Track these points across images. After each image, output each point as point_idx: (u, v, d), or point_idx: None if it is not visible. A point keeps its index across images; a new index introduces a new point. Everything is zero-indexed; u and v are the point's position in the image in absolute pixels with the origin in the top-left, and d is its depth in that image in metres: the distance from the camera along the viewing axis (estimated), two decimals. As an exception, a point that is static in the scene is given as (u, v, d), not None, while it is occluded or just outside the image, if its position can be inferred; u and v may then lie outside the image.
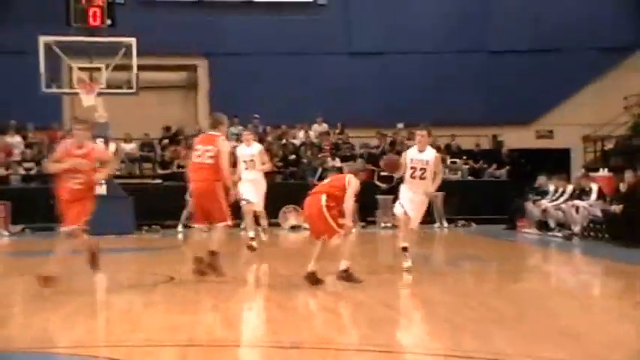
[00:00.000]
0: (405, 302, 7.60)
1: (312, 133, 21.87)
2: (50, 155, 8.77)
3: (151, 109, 21.87)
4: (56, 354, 5.67)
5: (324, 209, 8.25)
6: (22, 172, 19.60)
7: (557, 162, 21.25)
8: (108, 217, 16.60)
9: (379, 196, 18.97)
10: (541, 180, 17.45)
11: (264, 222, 13.02)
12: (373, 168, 20.50)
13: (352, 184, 8.40)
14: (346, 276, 8.33)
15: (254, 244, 12.10)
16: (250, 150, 12.55)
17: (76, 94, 17.83)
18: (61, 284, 8.27)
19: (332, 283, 8.87)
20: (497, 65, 23.26)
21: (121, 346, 5.80)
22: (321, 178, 20.08)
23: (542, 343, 5.65)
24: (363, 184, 8.90)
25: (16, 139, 20.18)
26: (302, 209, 18.72)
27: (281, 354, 5.47)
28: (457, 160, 21.19)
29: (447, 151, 20.84)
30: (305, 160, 20.89)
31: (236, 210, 11.58)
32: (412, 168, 9.81)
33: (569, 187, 16.27)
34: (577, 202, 15.36)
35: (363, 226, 18.56)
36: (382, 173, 18.16)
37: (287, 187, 20.16)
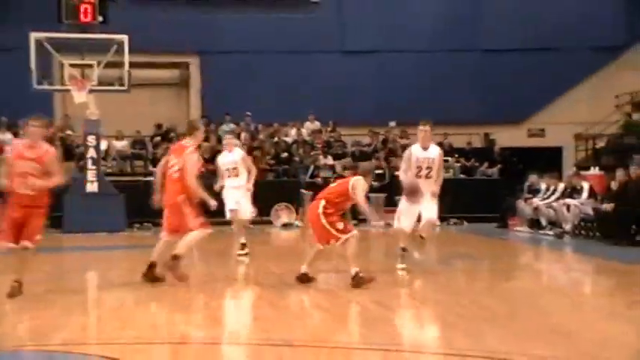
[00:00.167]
0: (398, 301, 7.61)
1: (304, 131, 21.87)
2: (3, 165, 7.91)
3: (143, 106, 21.82)
4: (48, 352, 5.65)
5: (322, 216, 8.18)
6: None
7: (548, 160, 21.32)
8: (99, 214, 16.65)
9: (371, 194, 18.96)
10: (532, 178, 17.49)
11: (241, 238, 11.82)
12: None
13: (358, 187, 8.26)
14: (355, 283, 8.13)
15: (245, 251, 11.65)
16: (232, 157, 11.90)
17: (68, 90, 17.76)
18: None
19: (324, 282, 8.87)
20: (490, 64, 23.30)
21: (112, 343, 5.79)
22: (313, 176, 20.11)
23: (534, 341, 5.66)
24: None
25: (7, 136, 20.08)
26: (294, 208, 18.93)
27: (273, 352, 5.47)
28: (449, 159, 21.22)
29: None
30: (297, 158, 20.88)
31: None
32: (418, 167, 9.35)
33: (561, 186, 16.32)
34: (568, 200, 15.41)
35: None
36: (376, 171, 18.18)
37: (279, 185, 20.16)
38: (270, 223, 18.62)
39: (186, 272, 8.66)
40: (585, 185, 15.47)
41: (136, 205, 17.72)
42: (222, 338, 6.23)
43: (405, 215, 9.41)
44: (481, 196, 19.57)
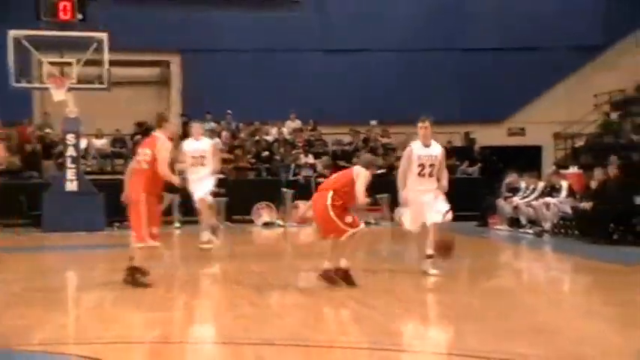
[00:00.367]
0: (378, 299, 7.62)
1: (285, 130, 21.86)
2: None
3: (123, 104, 21.69)
4: (27, 351, 5.61)
5: (330, 208, 7.86)
6: (-9, 167, 19.36)
7: (528, 159, 21.44)
8: (79, 213, 16.52)
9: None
10: (511, 177, 17.59)
11: (210, 219, 11.53)
12: (346, 165, 20.53)
13: (361, 174, 7.97)
14: (345, 277, 7.95)
15: (206, 247, 11.23)
16: (199, 145, 11.37)
17: (47, 88, 17.62)
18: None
19: (305, 280, 8.87)
20: (470, 63, 23.40)
21: (92, 343, 5.76)
22: (294, 175, 20.10)
23: (516, 340, 5.70)
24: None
25: (-15, 134, 19.92)
26: (275, 207, 18.89)
27: (253, 351, 5.46)
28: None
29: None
30: (278, 157, 20.88)
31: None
32: (420, 165, 9.00)
33: (540, 185, 16.43)
34: (548, 199, 15.52)
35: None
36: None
37: (260, 184, 20.14)
38: (251, 221, 18.59)
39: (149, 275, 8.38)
40: (564, 184, 15.59)
41: (115, 204, 17.59)
42: (202, 338, 6.22)
43: (412, 212, 9.05)
44: (461, 195, 19.50)
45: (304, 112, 22.06)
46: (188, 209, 14.41)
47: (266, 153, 21.03)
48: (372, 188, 8.45)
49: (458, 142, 23.10)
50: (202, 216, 11.60)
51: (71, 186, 17.12)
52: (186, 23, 22.59)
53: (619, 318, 6.82)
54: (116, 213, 17.61)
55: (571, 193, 15.25)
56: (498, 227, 17.12)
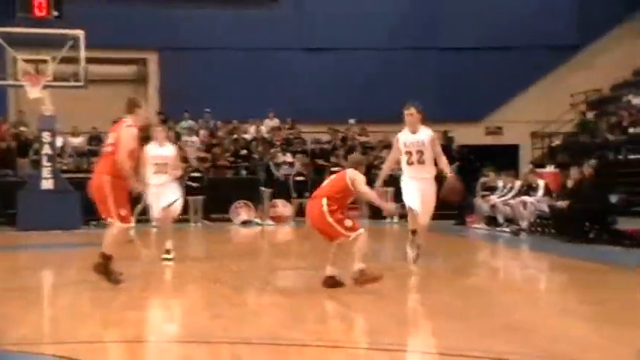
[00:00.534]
0: (355, 298, 7.61)
1: (263, 128, 21.82)
2: None
3: (100, 102, 21.52)
4: (2, 351, 5.54)
5: (327, 214, 7.69)
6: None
7: (506, 158, 21.57)
8: (54, 211, 16.39)
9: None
10: (488, 176, 17.67)
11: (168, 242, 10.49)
12: (324, 163, 20.54)
13: (357, 179, 7.81)
14: (362, 280, 7.77)
15: (169, 256, 10.35)
16: (162, 151, 10.64)
17: (22, 86, 17.46)
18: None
19: (283, 279, 8.84)
20: (448, 62, 23.51)
21: (67, 342, 5.70)
22: (272, 174, 20.06)
23: (493, 338, 5.72)
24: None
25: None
26: (254, 205, 18.85)
27: (231, 350, 5.44)
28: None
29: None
30: (256, 156, 20.84)
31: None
32: (407, 153, 8.89)
33: (517, 183, 16.53)
34: (525, 197, 15.61)
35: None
36: None
37: (238, 182, 20.11)
38: (229, 220, 18.54)
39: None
40: (541, 183, 15.70)
41: (92, 202, 17.48)
42: (179, 337, 6.18)
43: (407, 196, 8.99)
44: (439, 193, 19.67)
45: (283, 111, 22.05)
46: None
47: (244, 151, 20.99)
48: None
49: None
50: (163, 225, 10.87)
51: (47, 184, 17.00)
52: (163, 21, 22.49)
53: (594, 316, 6.88)
54: (92, 211, 17.58)
55: (548, 192, 15.36)
56: (476, 226, 17.21)
